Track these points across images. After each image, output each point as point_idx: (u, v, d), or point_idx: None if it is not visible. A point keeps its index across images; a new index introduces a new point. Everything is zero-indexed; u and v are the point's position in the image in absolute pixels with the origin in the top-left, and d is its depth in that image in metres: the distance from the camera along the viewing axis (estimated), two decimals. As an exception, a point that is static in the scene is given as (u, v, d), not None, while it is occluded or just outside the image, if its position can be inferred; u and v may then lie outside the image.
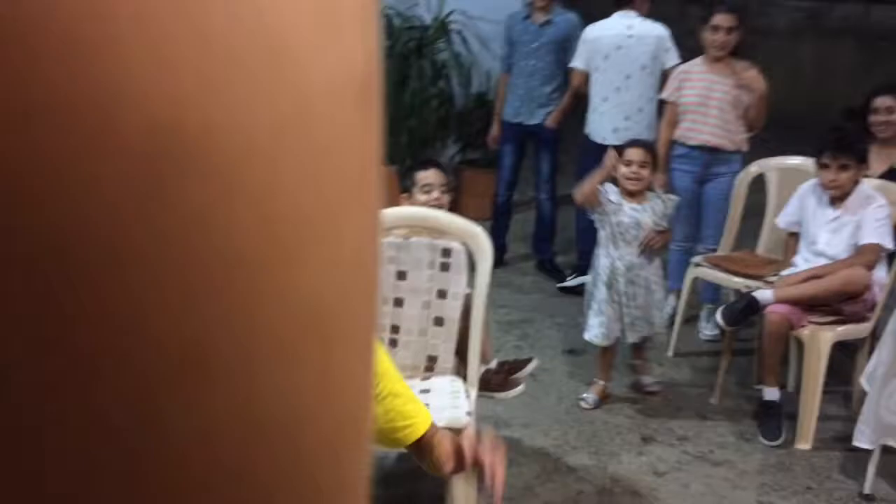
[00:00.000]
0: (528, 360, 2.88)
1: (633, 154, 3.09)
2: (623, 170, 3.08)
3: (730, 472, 2.92)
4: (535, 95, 4.62)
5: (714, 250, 3.85)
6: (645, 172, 3.09)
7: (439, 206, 2.62)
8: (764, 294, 3.13)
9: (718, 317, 3.20)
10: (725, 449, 3.06)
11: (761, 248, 3.80)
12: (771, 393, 3.12)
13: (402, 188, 2.74)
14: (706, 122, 3.77)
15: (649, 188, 3.17)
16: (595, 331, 3.24)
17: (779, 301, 3.06)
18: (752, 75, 3.71)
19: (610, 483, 2.83)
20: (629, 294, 3.17)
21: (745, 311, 3.15)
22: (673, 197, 3.24)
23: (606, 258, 3.18)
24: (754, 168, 3.82)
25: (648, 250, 3.16)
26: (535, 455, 2.98)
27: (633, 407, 3.36)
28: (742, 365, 3.62)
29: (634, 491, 2.80)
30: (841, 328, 3.04)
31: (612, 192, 3.12)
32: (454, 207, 6.04)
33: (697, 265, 3.72)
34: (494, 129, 4.86)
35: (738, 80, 3.71)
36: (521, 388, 2.80)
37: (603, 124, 4.28)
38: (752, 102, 3.70)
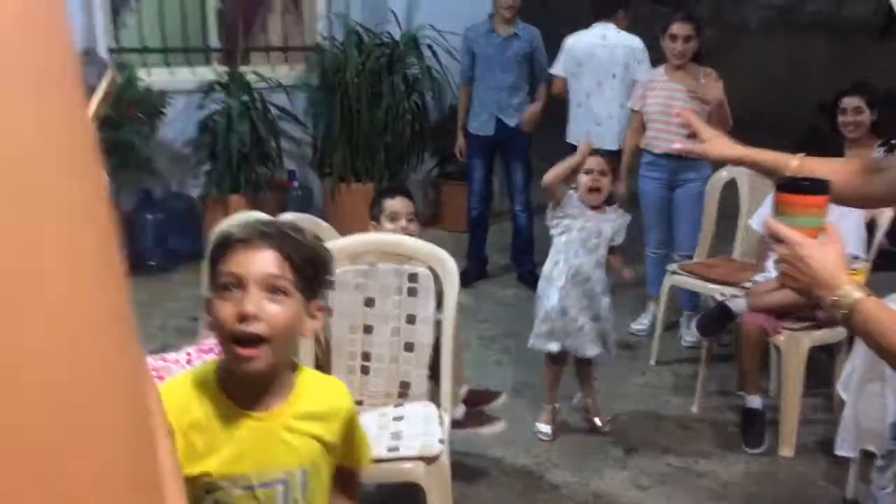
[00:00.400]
0: (496, 395, 2.87)
1: (593, 162, 3.00)
2: (583, 178, 2.99)
3: (713, 482, 2.90)
4: (503, 107, 4.69)
5: (689, 256, 3.84)
6: (605, 181, 3.00)
7: (407, 235, 2.60)
8: (737, 303, 3.12)
9: (693, 328, 3.20)
10: (709, 459, 3.05)
11: (737, 253, 3.80)
12: (752, 401, 3.10)
13: (370, 215, 2.71)
14: (669, 130, 3.79)
15: (608, 201, 3.09)
16: (543, 340, 3.10)
17: (753, 310, 3.06)
18: (708, 84, 3.76)
19: (593, 499, 2.81)
20: (582, 306, 3.05)
21: (720, 320, 3.15)
22: (627, 215, 3.12)
23: (565, 265, 3.03)
24: (724, 173, 3.82)
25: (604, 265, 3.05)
26: (517, 474, 2.95)
27: (615, 418, 3.33)
28: (723, 371, 3.61)
29: (617, 506, 2.78)
30: (817, 333, 3.03)
31: (575, 201, 3.04)
32: (434, 221, 6.06)
33: (673, 273, 3.71)
34: (460, 142, 4.92)
35: (696, 87, 3.77)
36: (502, 424, 2.79)
37: (577, 129, 4.38)
38: (710, 110, 3.72)
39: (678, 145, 2.08)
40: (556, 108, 4.72)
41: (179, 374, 1.53)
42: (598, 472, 2.97)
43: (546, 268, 3.14)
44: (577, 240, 3.03)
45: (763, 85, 8.69)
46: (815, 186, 1.35)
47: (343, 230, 4.31)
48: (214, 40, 5.64)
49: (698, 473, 2.96)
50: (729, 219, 3.89)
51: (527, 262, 4.87)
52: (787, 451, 3.04)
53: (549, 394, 3.21)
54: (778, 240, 1.33)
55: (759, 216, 3.40)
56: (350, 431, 1.44)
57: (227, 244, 1.31)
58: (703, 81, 3.80)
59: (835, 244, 1.32)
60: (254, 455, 1.33)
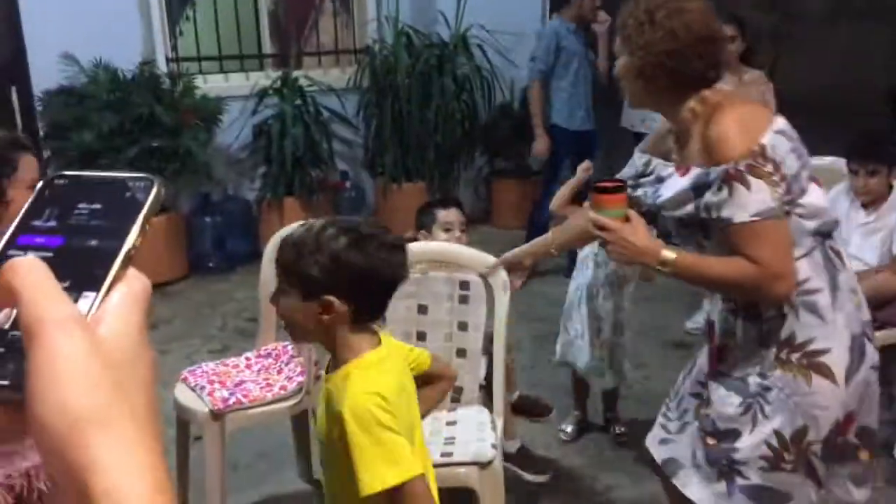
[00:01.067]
0: (547, 409, 2.87)
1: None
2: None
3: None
4: (585, 102, 4.86)
5: None
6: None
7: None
8: None
9: None
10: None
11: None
12: None
13: (417, 224, 2.75)
14: None
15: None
16: (563, 350, 3.06)
17: None
18: (750, 88, 3.65)
19: (649, 500, 2.82)
20: (589, 326, 2.94)
21: None
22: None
23: (582, 279, 2.98)
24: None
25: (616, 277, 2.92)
26: (569, 476, 2.97)
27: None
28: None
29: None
30: (880, 333, 2.97)
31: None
32: (485, 219, 6.08)
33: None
34: (544, 141, 4.87)
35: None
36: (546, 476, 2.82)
37: (630, 114, 4.77)
38: None
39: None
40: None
41: None
42: (649, 473, 2.97)
43: (571, 285, 3.08)
44: (589, 255, 2.96)
45: (826, 73, 8.46)
46: (618, 187, 1.82)
47: (396, 228, 4.39)
48: (268, 46, 5.76)
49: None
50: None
51: None
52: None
53: (578, 403, 3.23)
54: (601, 228, 1.79)
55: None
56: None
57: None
58: (745, 78, 3.71)
59: (640, 225, 1.79)
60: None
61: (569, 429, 3.20)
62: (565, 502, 2.81)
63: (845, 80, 8.16)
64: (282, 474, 3.02)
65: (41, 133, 4.77)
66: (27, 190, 1.93)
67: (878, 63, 7.66)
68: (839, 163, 3.56)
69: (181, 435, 2.73)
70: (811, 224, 1.76)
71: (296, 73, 5.43)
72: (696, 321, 4.13)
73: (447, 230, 2.68)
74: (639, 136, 3.65)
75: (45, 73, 4.70)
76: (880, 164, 3.02)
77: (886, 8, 7.06)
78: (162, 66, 5.05)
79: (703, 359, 2.03)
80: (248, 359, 2.79)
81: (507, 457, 2.70)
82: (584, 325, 2.97)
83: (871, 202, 3.10)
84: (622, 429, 3.19)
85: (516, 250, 2.47)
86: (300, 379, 2.61)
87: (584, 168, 2.67)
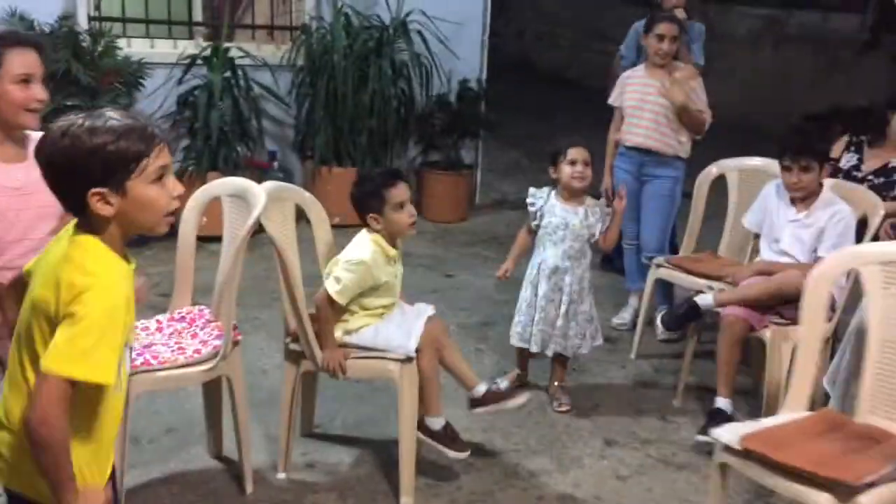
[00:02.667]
0: (517, 392, 2.82)
1: (577, 154, 3.08)
2: (567, 169, 3.08)
3: (693, 475, 2.85)
4: None
5: (650, 259, 3.79)
6: (588, 172, 3.09)
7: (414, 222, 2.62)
8: (705, 298, 3.09)
9: (659, 322, 3.17)
10: (689, 452, 3.00)
11: (723, 250, 3.76)
12: (721, 402, 3.00)
13: (366, 208, 2.59)
14: (640, 125, 3.87)
15: (589, 193, 3.20)
16: (512, 330, 3.24)
17: (719, 304, 3.03)
18: (679, 83, 3.77)
19: (571, 488, 2.75)
20: (548, 298, 3.13)
21: (687, 316, 3.13)
22: (608, 209, 3.18)
23: (536, 257, 3.18)
24: (715, 169, 3.79)
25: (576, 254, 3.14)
26: (495, 460, 2.88)
27: (595, 410, 3.28)
28: (706, 367, 3.56)
29: (596, 495, 2.72)
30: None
31: (543, 193, 3.15)
32: (417, 209, 5.96)
33: (659, 266, 3.66)
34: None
35: (662, 86, 3.78)
36: (525, 395, 2.80)
37: None
38: (677, 111, 3.78)
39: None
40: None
41: None
42: (577, 460, 2.91)
43: (527, 270, 3.25)
44: (544, 234, 3.15)
45: (749, 94, 8.72)
46: None
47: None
48: (199, 14, 5.52)
49: (678, 465, 2.91)
50: (712, 219, 3.86)
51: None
52: (768, 446, 2.99)
53: (519, 367, 3.37)
54: None
55: (751, 214, 3.37)
56: None
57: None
58: (676, 75, 3.81)
59: None
60: None
61: (503, 385, 3.12)
62: (487, 481, 2.72)
63: (768, 102, 8.43)
64: (188, 451, 2.83)
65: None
66: (13, 85, 1.91)
67: (799, 87, 7.89)
68: (771, 164, 3.61)
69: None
70: None
71: (227, 45, 5.20)
72: (622, 317, 4.13)
73: (401, 208, 2.57)
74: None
75: (-46, 20, 4.36)
76: (813, 159, 3.05)
77: (809, 35, 7.30)
78: (83, 24, 4.76)
79: None
80: (158, 321, 2.60)
81: (431, 434, 2.59)
82: (543, 301, 3.13)
83: (802, 199, 3.13)
84: (566, 403, 3.25)
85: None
86: (217, 343, 2.44)
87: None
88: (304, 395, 2.86)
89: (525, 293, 3.20)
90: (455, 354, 2.71)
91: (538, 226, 3.16)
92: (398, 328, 2.59)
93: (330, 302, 2.52)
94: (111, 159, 1.36)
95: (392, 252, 2.62)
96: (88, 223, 1.42)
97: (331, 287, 2.51)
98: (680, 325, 3.22)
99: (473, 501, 2.63)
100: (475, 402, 2.73)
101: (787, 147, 3.12)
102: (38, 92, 1.95)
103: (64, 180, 1.38)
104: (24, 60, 1.92)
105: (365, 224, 2.61)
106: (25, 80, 1.93)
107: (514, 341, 3.24)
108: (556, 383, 3.29)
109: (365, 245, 2.57)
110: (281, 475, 2.68)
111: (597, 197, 3.30)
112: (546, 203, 3.14)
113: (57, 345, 1.33)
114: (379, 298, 2.62)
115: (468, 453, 2.66)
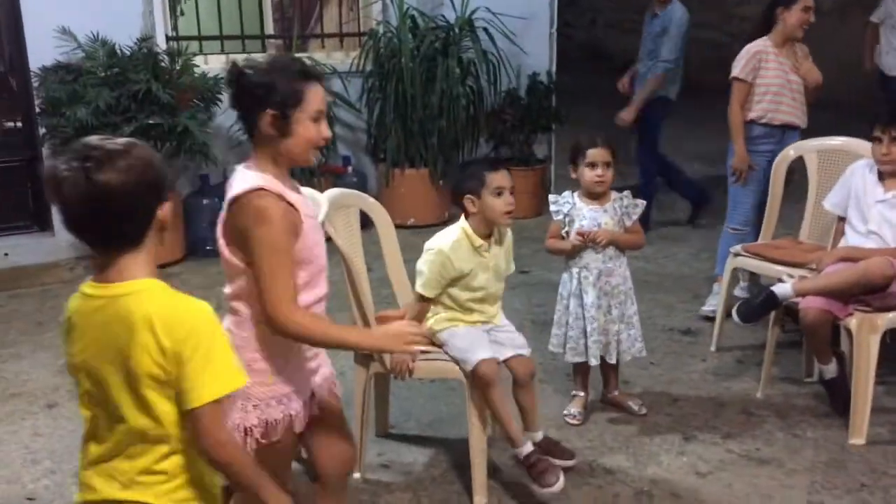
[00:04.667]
0: (569, 454, 2.75)
1: (598, 155, 2.89)
2: (588, 173, 2.90)
3: (777, 470, 2.75)
4: (640, 79, 5.17)
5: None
6: (609, 174, 2.91)
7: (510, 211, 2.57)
8: (783, 288, 2.96)
9: (734, 314, 3.03)
10: (772, 446, 2.90)
11: (804, 235, 3.61)
12: (829, 370, 2.97)
13: (464, 189, 2.58)
14: (786, 103, 3.82)
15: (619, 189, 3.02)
16: (557, 342, 3.04)
17: (798, 294, 2.90)
18: (808, 64, 3.84)
19: (648, 485, 2.70)
20: (597, 305, 2.93)
21: (764, 306, 2.98)
22: (639, 202, 2.98)
23: (573, 267, 2.96)
24: (793, 151, 3.64)
25: (594, 246, 2.91)
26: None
27: (673, 405, 3.21)
28: (790, 357, 3.44)
29: (674, 493, 2.66)
30: (891, 315, 2.85)
31: (566, 198, 2.98)
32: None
33: (737, 255, 3.55)
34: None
35: (797, 67, 3.84)
36: (560, 483, 2.52)
37: None
38: (810, 89, 3.85)
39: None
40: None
41: None
42: (654, 457, 2.85)
43: (563, 276, 3.04)
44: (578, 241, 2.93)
45: (835, 69, 8.30)
46: None
47: (397, 215, 4.30)
48: (270, 27, 5.67)
49: (761, 461, 2.81)
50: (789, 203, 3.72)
51: None
52: (857, 439, 2.87)
53: (580, 386, 3.12)
54: None
55: (833, 196, 3.23)
56: None
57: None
58: (801, 53, 3.87)
59: None
60: None
61: (574, 411, 3.08)
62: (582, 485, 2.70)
63: (853, 76, 8.02)
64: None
65: (37, 109, 4.68)
66: (310, 122, 1.83)
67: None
68: (852, 144, 3.45)
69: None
70: None
71: (298, 55, 5.32)
72: (711, 304, 3.98)
73: (499, 194, 2.54)
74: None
75: (42, 49, 4.61)
76: None
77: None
78: (161, 44, 4.96)
79: None
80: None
81: (519, 462, 2.60)
82: (593, 310, 2.93)
83: (891, 175, 2.98)
84: (641, 404, 3.14)
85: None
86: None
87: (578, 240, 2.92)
88: (377, 396, 2.91)
89: (568, 306, 2.97)
90: (527, 398, 2.65)
91: (568, 233, 2.97)
92: (471, 343, 2.55)
93: (420, 297, 2.57)
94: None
95: (479, 242, 2.56)
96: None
97: (417, 282, 2.57)
98: (758, 316, 3.06)
99: (547, 500, 2.62)
100: (518, 460, 2.60)
101: (878, 118, 2.99)
102: (325, 129, 1.86)
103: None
104: (319, 96, 1.83)
105: (464, 212, 2.60)
106: (318, 118, 1.84)
107: (570, 357, 3.01)
108: (616, 392, 3.15)
109: (449, 233, 2.59)
110: (356, 475, 2.73)
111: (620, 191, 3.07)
112: (572, 207, 2.95)
113: (197, 380, 1.38)
114: (468, 291, 2.59)
115: (556, 486, 2.51)
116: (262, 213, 1.73)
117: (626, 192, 3.01)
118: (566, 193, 3.00)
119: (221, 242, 1.81)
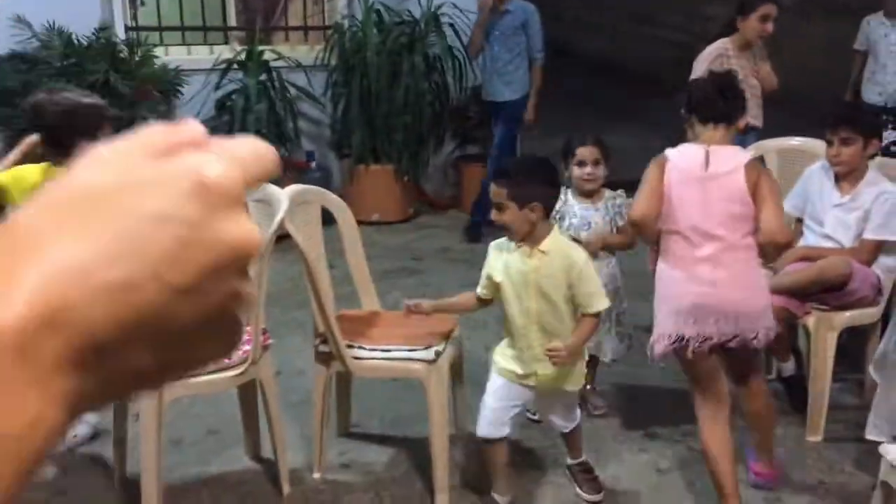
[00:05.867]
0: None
1: (586, 153, 2.87)
2: (576, 171, 2.88)
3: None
4: (498, 76, 5.00)
5: None
6: (599, 172, 2.88)
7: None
8: None
9: None
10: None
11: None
12: (787, 368, 3.03)
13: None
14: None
15: (605, 186, 2.97)
16: None
17: None
18: (767, 72, 3.96)
19: (611, 482, 2.70)
20: None
21: None
22: (628, 200, 2.86)
23: None
24: (752, 151, 3.67)
25: (596, 252, 2.82)
26: (532, 456, 2.85)
27: (633, 403, 3.22)
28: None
29: (636, 490, 2.67)
30: (848, 314, 2.89)
31: (560, 195, 2.79)
32: (454, 203, 5.95)
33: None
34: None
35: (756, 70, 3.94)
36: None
37: None
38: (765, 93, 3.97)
39: None
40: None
41: None
42: (616, 455, 2.86)
43: None
44: (566, 236, 2.80)
45: (796, 68, 8.43)
46: None
47: (361, 211, 4.27)
48: (233, 20, 5.59)
49: (721, 458, 2.83)
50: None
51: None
52: (814, 436, 2.91)
53: None
54: None
55: (792, 197, 3.25)
56: None
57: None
58: (766, 63, 4.00)
59: None
60: None
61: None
62: (524, 478, 2.69)
63: (813, 75, 8.15)
64: (228, 452, 2.87)
65: (-10, 99, 4.56)
66: None
67: (848, 60, 7.62)
68: (812, 144, 3.49)
69: (119, 408, 2.57)
70: None
71: (261, 48, 5.26)
72: None
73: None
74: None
75: (-5, 37, 4.49)
76: (854, 132, 2.92)
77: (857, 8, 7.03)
78: (121, 34, 4.86)
79: None
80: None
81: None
82: None
83: (845, 178, 3.01)
84: (601, 405, 3.09)
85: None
86: (246, 348, 2.46)
87: None
88: (339, 395, 2.88)
89: None
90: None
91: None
92: (501, 407, 2.43)
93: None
94: None
95: (509, 245, 2.35)
96: None
97: None
98: None
99: (510, 500, 2.61)
100: None
101: (828, 119, 3.02)
102: None
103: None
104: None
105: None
106: None
107: None
108: (587, 386, 2.99)
109: None
110: (316, 475, 2.70)
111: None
112: (564, 204, 2.89)
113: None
114: (507, 305, 2.38)
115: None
116: None
117: (619, 192, 2.97)
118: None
119: None
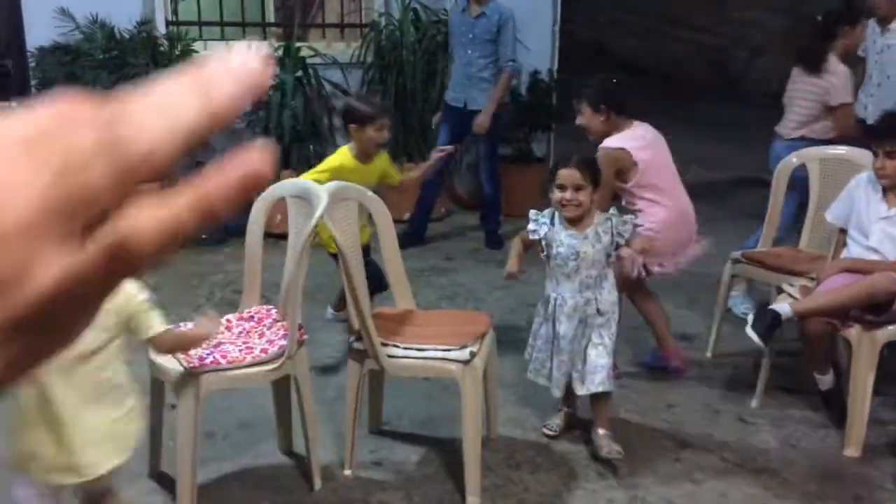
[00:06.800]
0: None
1: (566, 177, 2.63)
2: (556, 194, 2.65)
3: (771, 480, 2.74)
4: (473, 82, 4.79)
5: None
6: (581, 197, 2.62)
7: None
8: (784, 308, 2.87)
9: (751, 334, 2.94)
10: (767, 456, 2.88)
11: (804, 244, 3.59)
12: (826, 381, 2.95)
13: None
14: None
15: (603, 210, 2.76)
16: (528, 354, 2.84)
17: (798, 315, 2.83)
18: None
19: (642, 491, 2.68)
20: (569, 338, 2.67)
21: (772, 326, 2.91)
22: (627, 218, 2.75)
23: (550, 290, 2.74)
24: (794, 158, 3.62)
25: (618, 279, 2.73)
26: (564, 461, 2.83)
27: (669, 411, 3.18)
28: (787, 366, 3.42)
29: (668, 499, 2.64)
30: (891, 328, 2.83)
31: (546, 217, 2.71)
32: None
33: (736, 262, 3.52)
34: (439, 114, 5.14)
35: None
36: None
37: None
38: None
39: None
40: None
41: None
42: (648, 463, 2.83)
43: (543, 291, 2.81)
44: (554, 266, 2.70)
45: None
46: None
47: (396, 210, 4.26)
48: (272, 17, 5.62)
49: (755, 470, 2.80)
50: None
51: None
52: (852, 451, 2.85)
53: (563, 401, 2.93)
54: None
55: (835, 208, 3.19)
56: None
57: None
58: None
59: None
60: None
61: (553, 423, 2.97)
62: (555, 482, 2.67)
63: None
64: (260, 446, 2.88)
65: (32, 90, 4.63)
66: None
67: None
68: (856, 153, 3.42)
69: (155, 399, 2.59)
70: None
71: (299, 44, 5.28)
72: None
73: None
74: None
75: (40, 29, 4.55)
76: None
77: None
78: (161, 28, 4.91)
79: None
80: (228, 321, 2.65)
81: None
82: (564, 342, 2.70)
83: (893, 188, 2.95)
84: (616, 451, 2.75)
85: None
86: (282, 343, 2.47)
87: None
88: (371, 392, 2.88)
89: (542, 329, 2.76)
90: None
91: (547, 256, 2.71)
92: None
93: None
94: None
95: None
96: None
97: None
98: (770, 335, 2.93)
99: (541, 503, 2.60)
100: None
101: (874, 131, 2.97)
102: None
103: None
104: None
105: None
106: None
107: (531, 376, 2.80)
108: (600, 431, 2.78)
109: None
110: (347, 472, 2.70)
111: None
112: (550, 230, 2.68)
113: None
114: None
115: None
116: None
117: (612, 212, 2.73)
118: (547, 212, 2.73)
119: None
